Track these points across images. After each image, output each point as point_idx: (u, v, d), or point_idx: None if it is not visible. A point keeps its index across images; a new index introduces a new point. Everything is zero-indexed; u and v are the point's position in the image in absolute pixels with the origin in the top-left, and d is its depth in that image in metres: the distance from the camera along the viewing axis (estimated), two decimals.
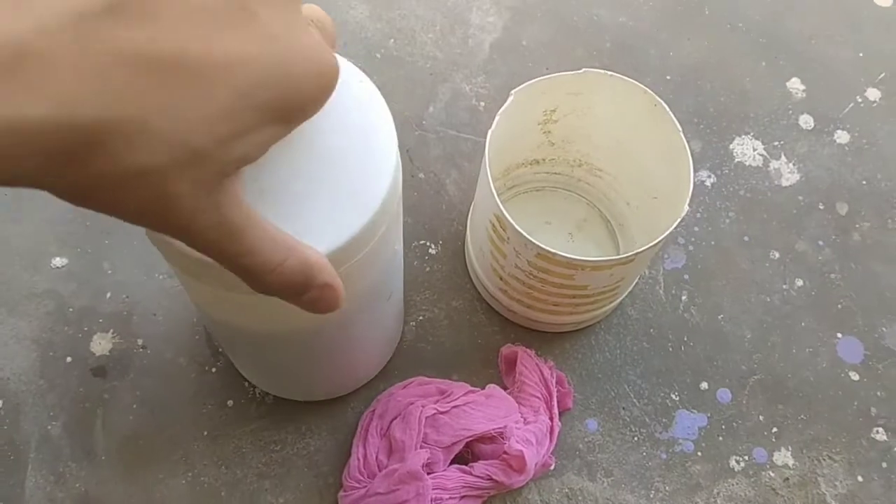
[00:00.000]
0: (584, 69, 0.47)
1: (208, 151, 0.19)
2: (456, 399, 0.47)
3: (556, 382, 0.50)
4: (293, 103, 0.21)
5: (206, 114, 0.18)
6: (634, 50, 0.65)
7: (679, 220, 0.43)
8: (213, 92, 0.18)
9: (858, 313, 0.55)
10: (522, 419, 0.47)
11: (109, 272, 0.54)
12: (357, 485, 0.46)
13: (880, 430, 0.52)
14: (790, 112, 0.63)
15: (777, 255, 0.57)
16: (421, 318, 0.54)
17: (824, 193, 0.60)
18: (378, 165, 0.31)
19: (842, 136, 0.62)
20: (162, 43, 0.17)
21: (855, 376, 0.53)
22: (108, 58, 0.17)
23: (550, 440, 0.48)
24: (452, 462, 0.47)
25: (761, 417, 0.52)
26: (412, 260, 0.55)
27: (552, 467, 0.49)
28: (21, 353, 0.52)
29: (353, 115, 0.31)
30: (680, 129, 0.45)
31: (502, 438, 0.46)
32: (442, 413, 0.46)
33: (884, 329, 0.55)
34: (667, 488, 0.50)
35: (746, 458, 0.51)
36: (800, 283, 0.56)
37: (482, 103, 0.62)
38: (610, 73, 0.47)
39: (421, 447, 0.45)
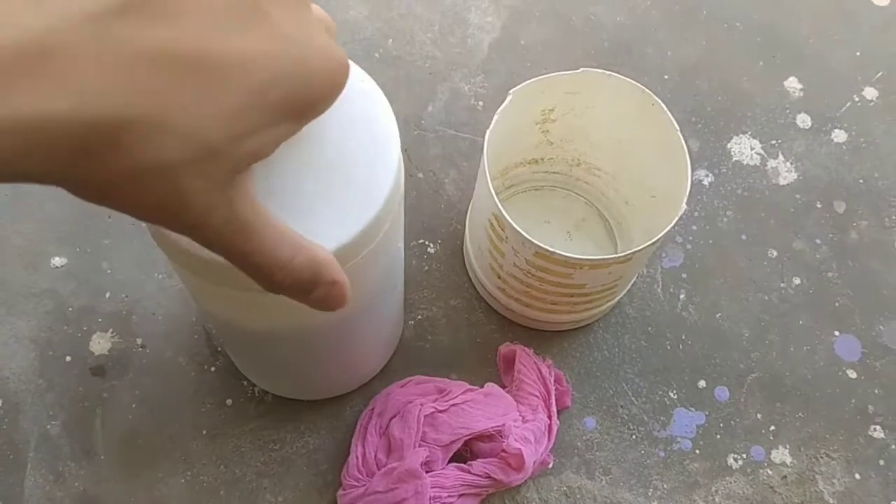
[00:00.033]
0: (581, 69, 0.47)
1: (222, 148, 0.19)
2: (454, 397, 0.47)
3: (555, 381, 0.50)
4: (305, 100, 0.21)
5: (220, 111, 0.19)
6: (632, 49, 0.65)
7: (677, 218, 0.43)
8: (228, 89, 0.19)
9: (856, 311, 0.56)
10: (521, 417, 0.47)
11: (108, 272, 0.54)
12: (356, 483, 0.46)
13: (878, 427, 0.52)
14: (787, 111, 0.63)
15: (775, 253, 0.57)
16: (419, 316, 0.54)
17: (822, 192, 0.60)
18: (382, 162, 0.31)
19: (839, 135, 0.62)
20: (180, 41, 0.18)
21: (852, 374, 0.54)
22: (127, 55, 0.17)
23: (549, 438, 0.48)
24: (451, 460, 0.47)
25: (759, 415, 0.52)
26: (411, 259, 0.56)
27: (550, 465, 0.49)
28: (20, 353, 0.52)
29: (356, 113, 0.31)
30: (677, 127, 0.46)
31: (501, 437, 0.46)
32: (440, 411, 0.46)
33: (881, 327, 0.55)
34: (665, 486, 0.50)
35: (744, 455, 0.51)
36: (797, 281, 0.56)
37: (481, 103, 0.62)
38: (608, 72, 0.47)
39: (419, 446, 0.45)
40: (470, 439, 0.47)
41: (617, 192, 0.56)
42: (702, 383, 0.53)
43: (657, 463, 0.51)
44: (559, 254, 0.42)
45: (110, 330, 0.53)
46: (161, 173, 0.18)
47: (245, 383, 0.52)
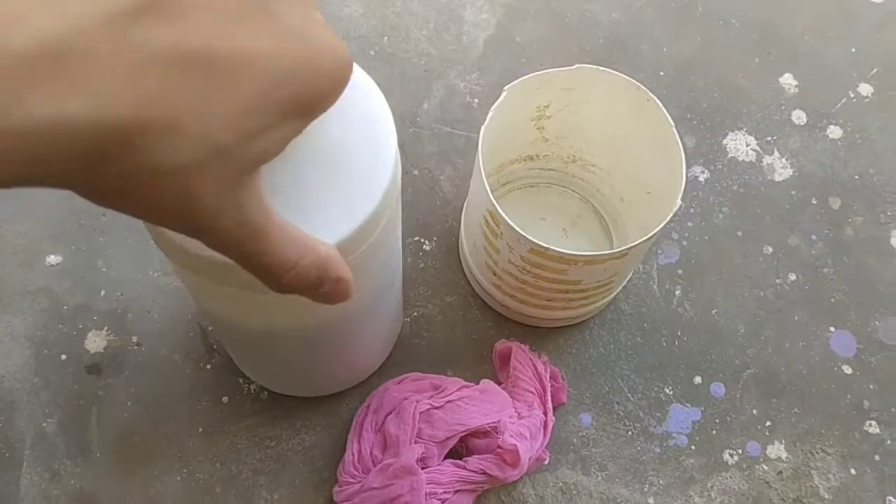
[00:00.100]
0: (576, 65, 0.47)
1: (232, 148, 0.19)
2: (450, 394, 0.47)
3: (550, 377, 0.50)
4: (312, 98, 0.21)
5: (230, 111, 0.18)
6: (628, 46, 0.65)
7: (672, 214, 0.43)
8: (237, 89, 0.18)
9: (851, 307, 0.56)
10: (516, 414, 0.48)
11: (104, 269, 0.54)
12: (352, 480, 0.46)
13: (873, 422, 0.52)
14: (783, 107, 0.63)
15: (770, 249, 0.57)
16: (415, 313, 0.54)
17: (817, 188, 0.60)
18: (379, 156, 0.31)
19: (834, 132, 0.62)
20: (191, 41, 0.17)
21: (848, 370, 0.54)
22: (141, 56, 0.17)
23: (544, 435, 0.48)
24: (447, 457, 0.47)
25: (755, 411, 0.52)
26: (406, 256, 0.56)
27: (546, 462, 0.49)
28: (16, 351, 0.52)
29: (353, 108, 0.31)
30: (672, 124, 0.46)
31: (496, 433, 0.46)
32: (436, 408, 0.46)
33: (876, 323, 0.55)
34: (661, 482, 0.50)
35: (740, 451, 0.51)
36: (793, 277, 0.57)
37: (476, 100, 0.62)
38: (602, 68, 0.47)
39: (415, 442, 0.45)
40: (466, 436, 0.47)
41: (612, 188, 0.56)
42: (697, 379, 0.53)
43: (653, 459, 0.51)
44: (554, 250, 0.42)
45: (105, 328, 0.53)
46: (173, 176, 0.18)
47: (241, 380, 0.52)
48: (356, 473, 0.46)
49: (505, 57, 0.64)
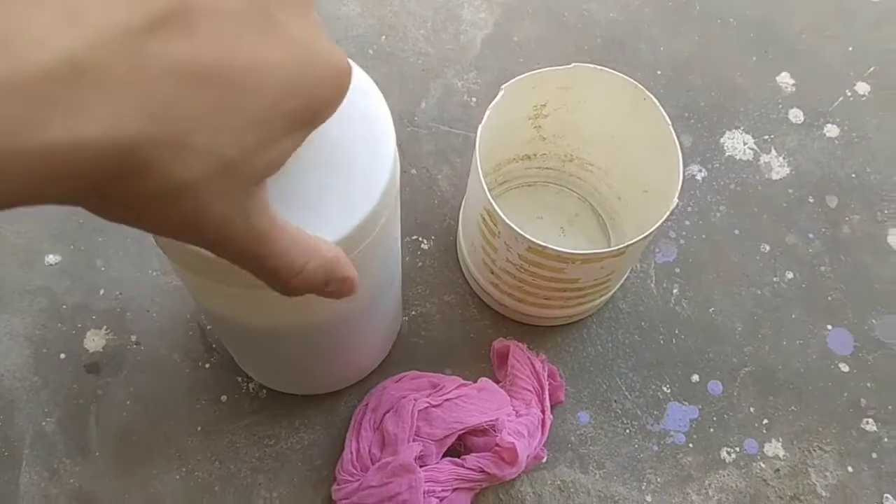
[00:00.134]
0: (573, 63, 0.47)
1: (240, 162, 0.19)
2: (448, 392, 0.47)
3: (548, 376, 0.50)
4: (316, 107, 0.21)
5: (238, 125, 0.18)
6: (625, 45, 0.65)
7: (668, 212, 0.43)
8: (245, 102, 0.18)
9: (848, 305, 0.56)
10: (514, 412, 0.48)
11: (103, 269, 0.54)
12: (350, 478, 0.46)
13: (870, 420, 0.52)
14: (780, 106, 0.63)
15: (767, 247, 0.58)
16: (413, 312, 0.54)
17: (814, 187, 0.60)
18: (377, 155, 0.31)
19: (831, 130, 0.62)
20: (203, 55, 0.17)
21: (845, 368, 0.54)
22: (156, 72, 0.17)
23: (542, 433, 0.48)
24: (445, 455, 0.47)
25: (752, 409, 0.52)
26: (404, 255, 0.56)
27: (544, 460, 0.49)
28: (15, 350, 0.52)
29: (352, 108, 0.31)
30: (669, 122, 0.46)
31: (494, 431, 0.46)
32: (434, 406, 0.46)
33: (873, 321, 0.55)
34: (658, 480, 0.50)
35: (737, 449, 0.51)
36: (790, 275, 0.57)
37: (474, 99, 0.62)
38: (599, 67, 0.47)
39: (413, 440, 0.45)
40: (464, 434, 0.47)
41: (610, 187, 0.56)
42: (695, 377, 0.53)
43: (651, 457, 0.51)
44: (551, 248, 0.42)
45: (104, 327, 0.53)
46: (183, 191, 0.18)
47: (240, 379, 0.52)
48: (354, 472, 0.46)
49: (503, 56, 0.64)
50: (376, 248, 0.34)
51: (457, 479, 0.45)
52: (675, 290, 0.56)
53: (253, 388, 0.51)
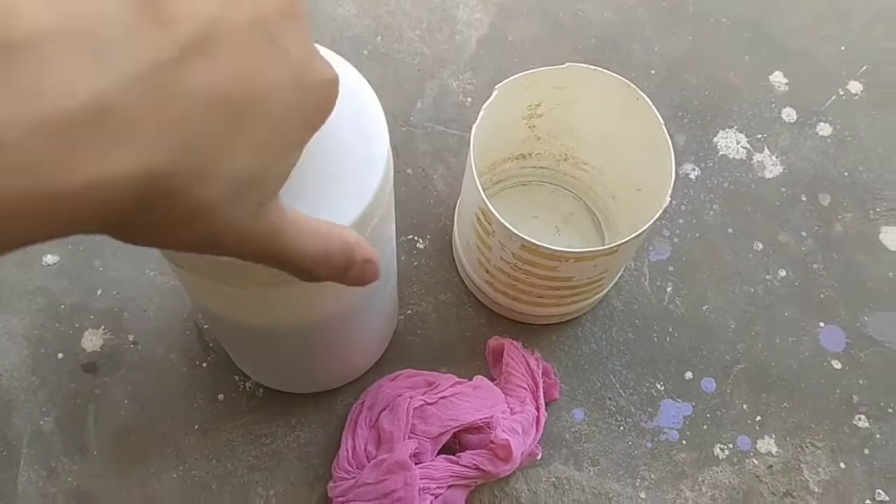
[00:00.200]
0: (567, 63, 0.48)
1: (257, 179, 0.20)
2: (443, 390, 0.48)
3: (543, 373, 0.51)
4: (316, 119, 0.22)
5: (252, 145, 0.19)
6: (619, 45, 0.65)
7: (661, 211, 0.44)
8: (256, 123, 0.19)
9: (841, 303, 0.56)
10: (509, 409, 0.48)
11: (100, 269, 0.55)
12: (346, 475, 0.46)
13: (862, 417, 0.53)
14: (773, 105, 0.63)
15: (760, 246, 0.58)
16: (409, 311, 0.55)
17: (807, 185, 0.60)
18: (371, 157, 0.32)
19: (824, 129, 0.63)
20: (220, 81, 0.18)
21: (837, 365, 0.54)
22: (181, 102, 0.17)
23: (537, 430, 0.49)
24: (440, 452, 0.47)
25: (745, 406, 0.53)
26: (400, 254, 0.56)
27: (539, 457, 0.50)
28: (13, 350, 0.52)
29: (346, 108, 0.32)
30: (662, 121, 0.46)
31: (489, 428, 0.47)
32: (429, 404, 0.47)
33: (866, 318, 0.56)
34: (652, 476, 0.51)
35: (731, 445, 0.52)
36: (783, 273, 0.57)
37: (469, 99, 0.62)
38: (593, 67, 0.48)
39: (409, 438, 0.45)
40: (459, 431, 0.47)
41: (604, 186, 0.56)
42: (688, 375, 0.54)
43: (645, 454, 0.51)
44: (545, 247, 0.43)
45: (102, 327, 0.53)
46: (206, 213, 0.19)
47: (237, 378, 0.52)
48: (350, 469, 0.46)
49: (498, 56, 0.64)
50: (374, 245, 0.34)
51: (452, 477, 0.46)
52: (668, 288, 0.56)
53: (250, 387, 0.52)
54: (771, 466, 0.51)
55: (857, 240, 0.58)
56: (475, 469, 0.46)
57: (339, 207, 0.30)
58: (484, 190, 0.44)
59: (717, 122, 0.62)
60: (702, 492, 0.50)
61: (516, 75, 0.47)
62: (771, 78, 0.64)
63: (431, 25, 0.65)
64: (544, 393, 0.50)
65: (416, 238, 0.57)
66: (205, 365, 0.52)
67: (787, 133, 0.62)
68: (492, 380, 0.51)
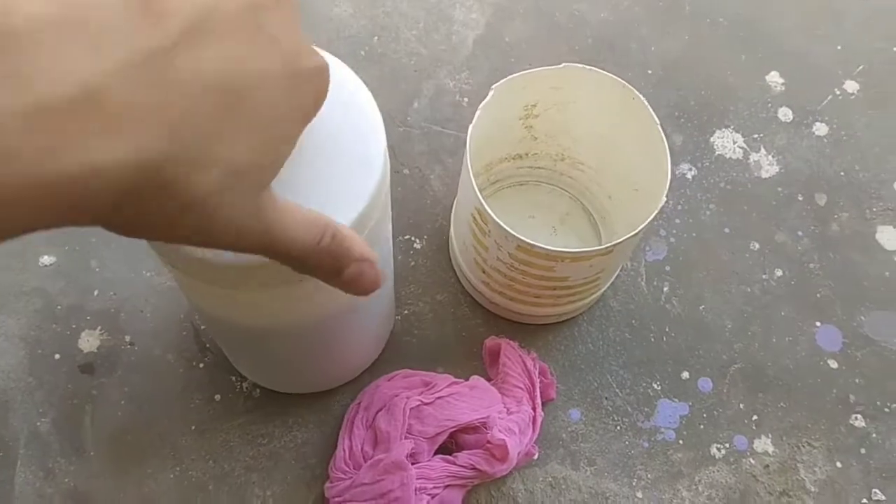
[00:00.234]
0: (563, 63, 0.48)
1: (252, 168, 0.20)
2: (440, 390, 0.48)
3: (539, 373, 0.51)
4: (309, 108, 0.22)
5: (246, 133, 0.19)
6: (616, 45, 0.65)
7: (656, 211, 0.44)
8: (250, 111, 0.19)
9: (837, 302, 0.56)
10: (505, 409, 0.48)
11: (97, 270, 0.55)
12: (343, 476, 0.46)
13: (859, 416, 0.53)
14: (769, 105, 0.63)
15: (757, 245, 0.58)
16: (406, 311, 0.55)
17: (803, 185, 0.60)
18: (368, 157, 0.32)
19: (820, 129, 0.63)
20: (213, 69, 0.18)
21: (834, 364, 0.54)
22: (176, 91, 0.17)
23: (533, 430, 0.49)
24: (437, 452, 0.47)
25: (742, 405, 0.53)
26: (397, 255, 0.56)
27: (535, 457, 0.50)
28: (10, 351, 0.52)
29: (342, 108, 0.32)
30: (657, 121, 0.46)
31: (485, 428, 0.47)
32: (426, 404, 0.47)
33: (862, 318, 0.56)
34: (649, 476, 0.51)
35: (727, 445, 0.52)
36: (779, 273, 0.57)
37: (465, 99, 0.62)
38: (589, 67, 0.48)
39: (405, 438, 0.45)
40: (455, 431, 0.47)
41: (601, 186, 0.56)
42: (685, 374, 0.54)
43: (641, 453, 0.51)
44: (540, 247, 0.43)
45: (99, 328, 0.53)
46: (200, 204, 0.19)
47: (233, 378, 0.52)
48: (347, 469, 0.46)
49: (494, 56, 0.64)
50: (371, 246, 0.34)
51: (448, 477, 0.46)
52: (665, 288, 0.56)
53: (246, 388, 0.52)
54: (767, 466, 0.51)
55: (853, 239, 0.58)
56: (472, 469, 0.46)
57: (337, 208, 0.30)
58: (481, 190, 0.44)
59: (713, 121, 0.62)
60: (698, 491, 0.50)
61: (513, 75, 0.47)
62: (767, 78, 0.64)
63: (428, 25, 0.65)
64: (541, 393, 0.50)
65: (412, 238, 0.57)
66: (201, 366, 0.52)
67: (783, 133, 0.62)
68: (488, 380, 0.51)
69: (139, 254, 0.55)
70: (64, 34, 0.15)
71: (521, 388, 0.49)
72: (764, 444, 0.52)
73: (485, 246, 0.47)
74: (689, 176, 0.60)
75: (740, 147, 0.62)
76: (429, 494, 0.45)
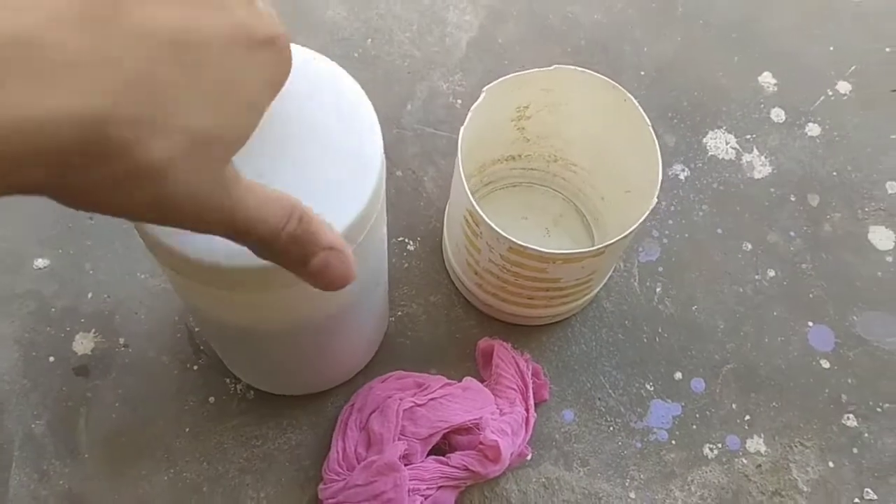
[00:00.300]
0: (554, 66, 0.48)
1: (212, 138, 0.19)
2: (433, 392, 0.48)
3: (532, 374, 0.51)
4: (269, 77, 0.21)
5: (205, 97, 0.18)
6: (609, 47, 0.65)
7: (648, 212, 0.44)
8: (206, 72, 0.18)
9: (829, 302, 0.56)
10: (498, 410, 0.48)
11: (91, 272, 0.55)
12: (336, 477, 0.46)
13: (851, 416, 0.53)
14: (762, 106, 0.64)
15: (749, 246, 0.58)
16: (400, 313, 0.55)
17: (796, 185, 0.61)
18: (365, 159, 0.32)
19: (813, 129, 0.63)
20: (165, 27, 0.17)
21: (826, 364, 0.55)
22: (124, 42, 0.16)
23: (526, 431, 0.49)
24: (430, 454, 0.47)
25: (734, 406, 0.53)
26: (391, 257, 0.56)
27: (529, 457, 0.50)
28: (4, 354, 0.52)
29: (338, 111, 0.32)
30: (649, 123, 0.46)
31: (478, 429, 0.47)
32: (419, 406, 0.47)
33: (854, 317, 0.56)
34: (642, 476, 0.51)
35: (720, 445, 0.52)
36: (772, 273, 0.57)
37: (459, 101, 0.62)
38: (580, 69, 0.48)
39: (398, 439, 0.46)
40: (448, 433, 0.47)
41: (593, 187, 0.56)
42: (678, 375, 0.54)
43: (634, 454, 0.51)
44: (532, 248, 0.43)
45: (93, 330, 0.53)
46: (158, 173, 0.18)
47: (227, 380, 0.52)
48: (341, 471, 0.46)
49: (487, 58, 0.64)
50: (364, 250, 0.35)
51: (441, 478, 0.46)
52: (658, 289, 0.56)
53: (240, 390, 0.52)
54: (760, 466, 0.51)
55: (845, 239, 0.59)
56: (465, 470, 0.46)
57: (334, 210, 0.30)
58: (474, 192, 0.44)
59: (706, 122, 0.63)
60: (691, 491, 0.50)
61: (504, 77, 0.47)
62: (760, 79, 0.65)
63: (421, 28, 0.65)
64: (534, 394, 0.50)
65: (406, 240, 0.57)
66: (196, 368, 0.53)
67: (775, 133, 0.63)
68: (481, 381, 0.51)
69: (133, 256, 0.55)
70: None
71: (514, 389, 0.50)
72: (756, 443, 0.52)
73: (477, 248, 0.47)
74: (681, 177, 0.60)
75: (733, 148, 0.62)
76: (422, 495, 0.45)
